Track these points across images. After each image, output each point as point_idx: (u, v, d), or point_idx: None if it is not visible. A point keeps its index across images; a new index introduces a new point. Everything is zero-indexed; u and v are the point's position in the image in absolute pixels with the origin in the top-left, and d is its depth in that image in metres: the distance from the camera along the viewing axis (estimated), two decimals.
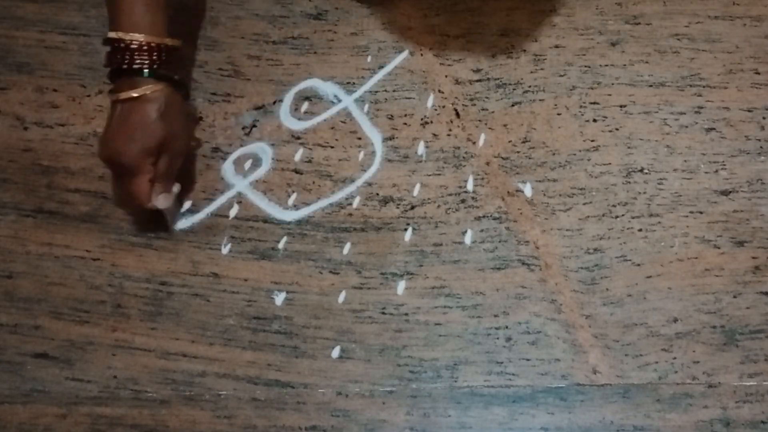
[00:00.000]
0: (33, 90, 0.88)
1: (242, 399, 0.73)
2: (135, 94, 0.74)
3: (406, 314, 0.76)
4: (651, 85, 0.85)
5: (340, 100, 0.86)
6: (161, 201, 0.76)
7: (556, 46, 0.87)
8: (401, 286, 0.77)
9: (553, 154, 0.83)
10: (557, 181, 0.81)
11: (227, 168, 0.84)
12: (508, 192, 0.81)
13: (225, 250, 0.79)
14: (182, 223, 0.81)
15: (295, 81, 0.87)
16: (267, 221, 0.81)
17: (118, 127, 0.75)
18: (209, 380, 0.74)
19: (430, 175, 0.82)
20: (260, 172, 0.83)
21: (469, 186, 0.82)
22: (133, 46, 0.75)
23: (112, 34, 0.76)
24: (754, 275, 0.76)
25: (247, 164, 0.84)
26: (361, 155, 0.83)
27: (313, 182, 0.82)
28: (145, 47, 0.75)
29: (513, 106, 0.85)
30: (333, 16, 0.89)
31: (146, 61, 0.75)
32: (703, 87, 0.85)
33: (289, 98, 0.86)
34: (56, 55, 0.89)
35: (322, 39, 0.89)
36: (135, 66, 0.75)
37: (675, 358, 0.73)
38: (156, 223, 0.80)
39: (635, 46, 0.87)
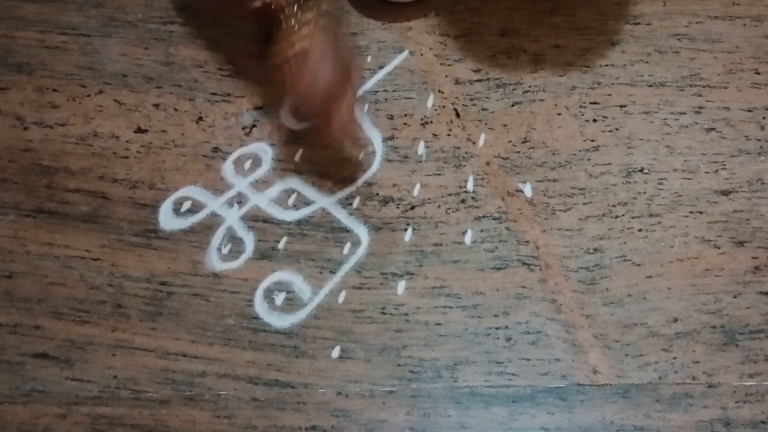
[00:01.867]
0: (33, 90, 0.88)
1: (242, 399, 0.73)
2: (307, 34, 0.76)
3: (406, 314, 0.76)
4: (651, 85, 0.85)
5: None
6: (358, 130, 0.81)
7: (556, 46, 0.88)
8: (401, 286, 0.77)
9: (553, 154, 0.83)
10: (557, 181, 0.81)
11: (227, 168, 0.84)
12: (508, 192, 0.81)
13: (225, 250, 0.79)
14: (182, 223, 0.81)
15: None
16: (267, 221, 0.81)
17: (308, 68, 0.76)
18: (209, 380, 0.74)
19: (430, 175, 0.82)
20: (260, 172, 0.83)
21: (469, 186, 0.82)
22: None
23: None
24: (754, 275, 0.76)
25: (247, 164, 0.84)
26: (361, 155, 0.83)
27: (313, 182, 0.82)
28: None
29: (513, 106, 0.85)
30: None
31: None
32: (703, 87, 0.85)
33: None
34: (56, 55, 0.89)
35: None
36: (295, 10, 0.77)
37: (675, 358, 0.73)
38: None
39: (635, 46, 0.87)
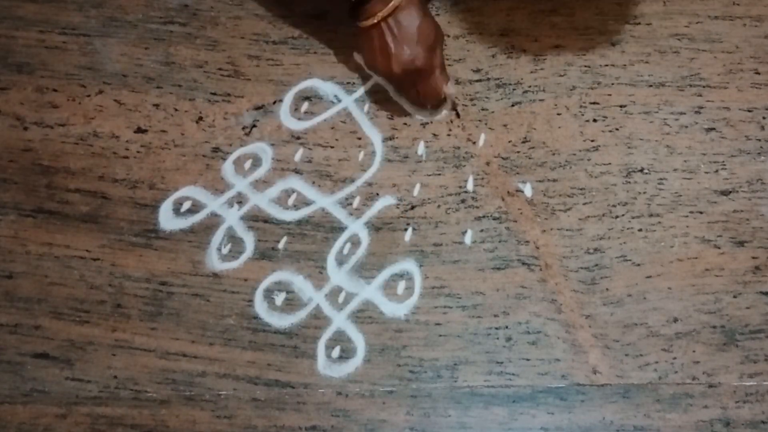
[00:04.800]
0: (33, 90, 0.88)
1: (242, 399, 0.73)
2: (395, 4, 0.78)
3: (406, 314, 0.76)
4: (651, 85, 0.85)
5: (340, 100, 0.86)
6: (451, 88, 0.82)
7: (556, 46, 0.87)
8: (401, 286, 0.77)
9: (553, 154, 0.83)
10: (557, 181, 0.81)
11: (227, 168, 0.84)
12: (508, 192, 0.81)
13: (225, 250, 0.79)
14: (182, 223, 0.81)
15: (295, 81, 0.87)
16: (267, 221, 0.81)
17: (399, 40, 0.79)
18: (209, 380, 0.74)
19: (430, 175, 0.82)
20: (260, 172, 0.83)
21: (469, 186, 0.82)
22: None
23: None
24: (754, 275, 0.76)
25: (247, 164, 0.84)
26: (361, 155, 0.83)
27: (313, 182, 0.82)
28: None
29: (513, 106, 0.85)
30: (333, 16, 0.89)
31: None
32: (703, 87, 0.85)
33: (289, 98, 0.86)
34: (56, 55, 0.89)
35: (322, 39, 0.89)
36: None
37: (675, 358, 0.73)
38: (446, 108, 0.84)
39: (635, 46, 0.87)
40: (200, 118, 0.86)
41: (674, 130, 0.83)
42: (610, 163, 0.82)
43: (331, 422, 0.72)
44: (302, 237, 0.80)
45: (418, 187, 0.82)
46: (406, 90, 0.84)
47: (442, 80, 0.81)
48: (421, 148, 0.84)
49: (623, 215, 0.79)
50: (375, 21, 0.78)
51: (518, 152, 0.83)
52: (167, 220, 0.81)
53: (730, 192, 0.80)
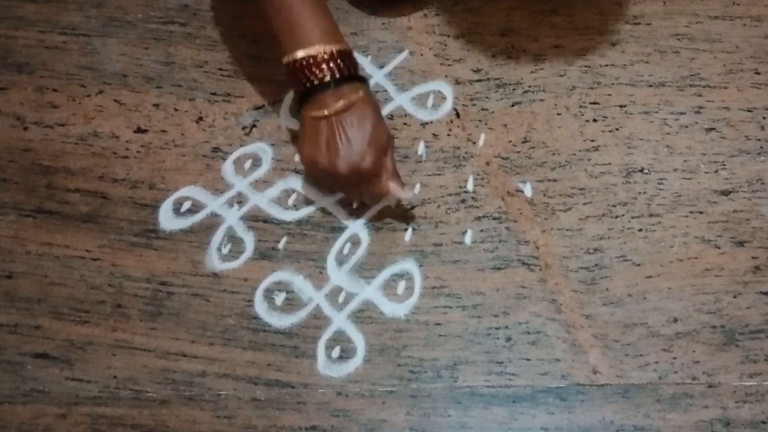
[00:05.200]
0: (33, 90, 0.88)
1: (242, 399, 0.73)
2: (350, 101, 0.74)
3: (406, 314, 0.76)
4: (651, 85, 0.85)
5: None
6: (408, 194, 0.77)
7: (556, 46, 0.88)
8: (401, 286, 0.77)
9: (553, 154, 0.83)
10: (557, 181, 0.81)
11: (227, 168, 0.84)
12: (508, 192, 0.81)
13: (225, 250, 0.79)
14: (182, 223, 0.81)
15: None
16: (267, 221, 0.81)
17: (347, 137, 0.75)
18: (209, 380, 0.74)
19: (430, 175, 0.82)
20: (260, 172, 0.83)
21: (469, 186, 0.82)
22: (325, 57, 0.74)
23: (303, 53, 0.74)
24: (754, 275, 0.76)
25: (247, 164, 0.84)
26: (410, 197, 0.83)
27: (313, 182, 0.82)
28: (336, 55, 0.74)
29: (513, 106, 0.85)
30: (333, 15, 0.89)
31: (342, 67, 0.75)
32: (703, 87, 0.85)
33: (289, 98, 0.86)
34: (56, 55, 0.89)
35: None
36: (337, 76, 0.74)
37: (675, 358, 0.73)
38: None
39: (635, 46, 0.87)
40: (200, 118, 0.86)
41: (674, 130, 0.83)
42: (610, 163, 0.82)
43: (331, 422, 0.72)
44: (302, 237, 0.80)
45: (418, 187, 0.82)
46: (346, 189, 0.79)
47: (391, 185, 0.76)
48: (421, 148, 0.84)
49: (623, 215, 0.79)
50: (326, 113, 0.75)
51: (518, 152, 0.83)
52: (167, 220, 0.81)
53: (730, 192, 0.80)
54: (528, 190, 0.81)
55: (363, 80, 0.77)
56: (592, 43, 0.87)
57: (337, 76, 0.74)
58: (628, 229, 0.79)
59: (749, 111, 0.84)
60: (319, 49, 0.74)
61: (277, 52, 0.77)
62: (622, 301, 0.76)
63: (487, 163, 0.83)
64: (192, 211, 0.81)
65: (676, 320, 0.75)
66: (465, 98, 0.85)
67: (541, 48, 0.87)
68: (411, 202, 0.79)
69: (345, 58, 0.75)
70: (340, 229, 0.80)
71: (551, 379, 0.73)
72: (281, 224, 0.81)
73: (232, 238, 0.80)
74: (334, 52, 0.75)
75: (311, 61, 0.74)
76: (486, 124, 0.84)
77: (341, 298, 0.77)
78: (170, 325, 0.76)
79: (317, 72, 0.74)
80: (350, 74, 0.75)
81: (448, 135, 0.84)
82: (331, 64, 0.74)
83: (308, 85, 0.75)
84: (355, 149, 0.75)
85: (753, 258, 0.77)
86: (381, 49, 0.89)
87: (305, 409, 0.73)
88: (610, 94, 0.85)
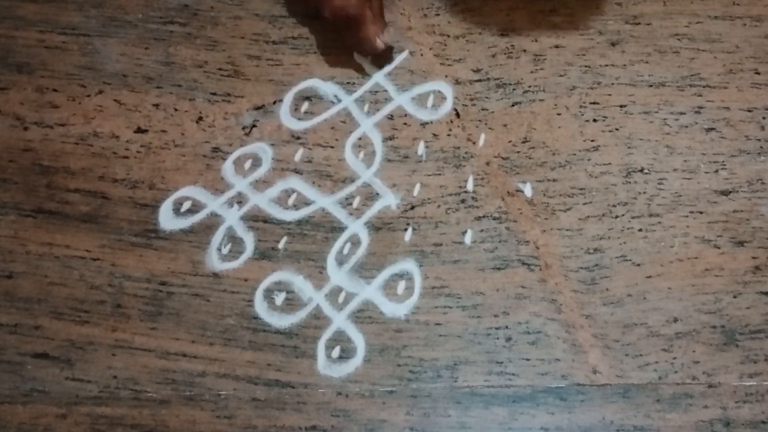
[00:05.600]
0: (33, 90, 0.88)
1: (242, 399, 0.73)
2: None
3: (406, 314, 0.76)
4: (651, 85, 0.85)
5: (340, 100, 0.86)
6: (388, 37, 0.81)
7: (556, 46, 0.88)
8: (401, 286, 0.77)
9: (553, 154, 0.83)
10: (557, 181, 0.81)
11: (227, 168, 0.84)
12: (508, 192, 0.81)
13: (225, 250, 0.79)
14: (182, 223, 0.81)
15: (295, 81, 0.87)
16: (267, 221, 0.81)
17: None
18: (209, 380, 0.74)
19: (430, 175, 0.82)
20: (260, 172, 0.83)
21: (469, 186, 0.82)
22: None
23: None
24: (754, 275, 0.76)
25: (247, 164, 0.84)
26: (361, 155, 0.83)
27: (313, 182, 0.82)
28: None
29: (513, 106, 0.85)
30: None
31: None
32: (703, 87, 0.85)
33: (289, 98, 0.86)
34: (56, 55, 0.89)
35: (322, 39, 0.89)
36: None
37: (675, 358, 0.73)
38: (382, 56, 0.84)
39: (635, 46, 0.87)
40: (200, 118, 0.86)
41: (674, 130, 0.83)
42: (610, 163, 0.82)
43: (331, 422, 0.72)
44: (302, 237, 0.80)
45: (418, 187, 0.82)
46: (340, 34, 0.82)
47: (375, 30, 0.80)
48: (421, 148, 0.84)
49: (623, 215, 0.79)
50: None
51: (518, 152, 0.83)
52: (167, 220, 0.81)
53: (730, 192, 0.80)
54: (528, 190, 0.81)
55: None
56: (592, 43, 0.87)
57: None
58: (628, 229, 0.79)
59: (749, 111, 0.84)
60: None
61: None
62: (622, 301, 0.76)
63: (487, 163, 0.83)
64: (192, 211, 0.82)
65: (676, 320, 0.75)
66: (465, 98, 0.86)
67: (541, 48, 0.87)
68: (387, 43, 0.82)
69: None
70: (340, 229, 0.80)
71: (551, 379, 0.73)
72: (281, 224, 0.81)
73: (232, 238, 0.80)
74: None
75: None
76: (486, 124, 0.84)
77: (341, 298, 0.77)
78: (170, 325, 0.76)
79: None
80: None
81: (448, 135, 0.84)
82: None
83: None
84: None
85: (753, 258, 0.77)
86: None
87: (305, 409, 0.73)
88: (610, 94, 0.85)
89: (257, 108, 0.86)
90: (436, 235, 0.80)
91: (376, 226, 0.80)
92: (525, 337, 0.75)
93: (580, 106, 0.85)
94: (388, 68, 0.88)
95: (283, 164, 0.84)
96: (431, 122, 0.85)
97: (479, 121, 0.85)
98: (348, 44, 0.81)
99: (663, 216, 0.79)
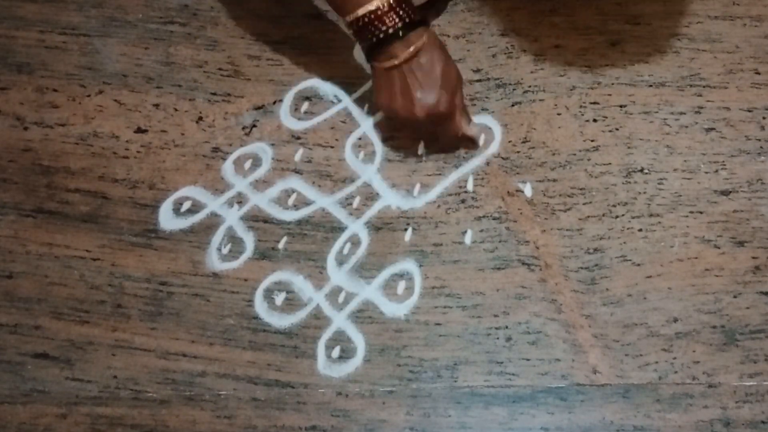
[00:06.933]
0: (33, 90, 0.88)
1: (242, 399, 0.73)
2: (417, 47, 0.76)
3: (406, 314, 0.76)
4: (651, 85, 0.85)
5: (340, 100, 0.86)
6: (473, 128, 0.81)
7: (556, 46, 0.88)
8: (401, 286, 0.77)
9: (553, 154, 0.83)
10: (557, 181, 0.81)
11: (227, 168, 0.84)
12: (508, 192, 0.81)
13: (225, 250, 0.79)
14: (182, 223, 0.81)
15: (295, 81, 0.87)
16: (267, 221, 0.81)
17: (422, 83, 0.77)
18: (209, 380, 0.74)
19: (430, 175, 0.82)
20: (260, 172, 0.83)
21: (469, 186, 0.82)
22: (386, 9, 0.75)
23: (363, 10, 0.75)
24: (754, 275, 0.76)
25: (247, 164, 0.84)
26: (361, 155, 0.83)
27: (313, 182, 0.82)
28: (395, 5, 0.75)
29: (513, 106, 0.85)
30: (333, 16, 0.89)
31: (404, 15, 0.76)
32: (703, 87, 0.85)
33: (289, 98, 0.86)
34: (56, 55, 0.89)
35: (322, 39, 0.89)
36: (399, 25, 0.75)
37: (675, 358, 0.73)
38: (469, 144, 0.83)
39: (635, 46, 0.87)
40: (200, 118, 0.86)
41: (674, 130, 0.83)
42: (610, 163, 0.82)
43: (331, 422, 0.72)
44: (302, 237, 0.80)
45: (418, 187, 0.82)
46: (423, 132, 0.82)
47: (462, 122, 0.80)
48: (421, 148, 0.83)
49: (623, 215, 0.79)
50: (396, 63, 0.76)
51: (518, 152, 0.83)
52: (167, 220, 0.81)
53: (730, 192, 0.80)
54: (528, 190, 0.81)
55: (425, 23, 0.78)
56: (592, 43, 0.87)
57: (400, 25, 0.75)
58: (628, 229, 0.79)
59: (749, 111, 0.84)
60: (378, 3, 0.75)
61: (340, 10, 0.78)
62: (622, 301, 0.76)
63: (487, 163, 0.83)
64: (192, 211, 0.82)
65: (676, 320, 0.75)
66: (465, 98, 0.85)
67: (541, 48, 0.87)
68: (476, 137, 0.82)
69: (403, 5, 0.76)
70: (340, 229, 0.80)
71: (551, 379, 0.73)
72: (281, 224, 0.81)
73: (232, 238, 0.80)
74: (392, 2, 0.75)
75: (373, 16, 0.75)
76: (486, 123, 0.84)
77: (341, 298, 0.77)
78: (170, 325, 0.76)
79: (380, 26, 0.75)
80: (411, 20, 0.76)
81: None
82: (393, 15, 0.75)
83: (374, 39, 0.76)
84: (430, 94, 0.77)
85: (753, 258, 0.77)
86: None
87: (305, 409, 0.73)
88: (610, 94, 0.85)
89: (257, 108, 0.86)
90: (436, 235, 0.80)
91: (376, 226, 0.80)
92: (525, 337, 0.75)
93: (580, 106, 0.85)
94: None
95: (283, 164, 0.84)
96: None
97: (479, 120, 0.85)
98: (442, 140, 0.82)
99: (663, 216, 0.79)
